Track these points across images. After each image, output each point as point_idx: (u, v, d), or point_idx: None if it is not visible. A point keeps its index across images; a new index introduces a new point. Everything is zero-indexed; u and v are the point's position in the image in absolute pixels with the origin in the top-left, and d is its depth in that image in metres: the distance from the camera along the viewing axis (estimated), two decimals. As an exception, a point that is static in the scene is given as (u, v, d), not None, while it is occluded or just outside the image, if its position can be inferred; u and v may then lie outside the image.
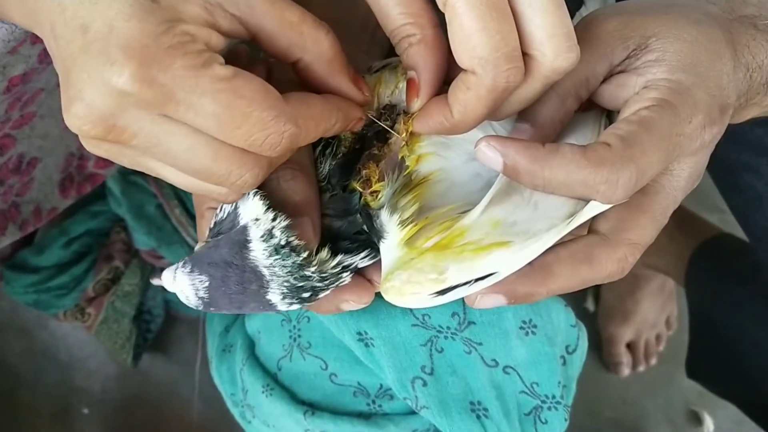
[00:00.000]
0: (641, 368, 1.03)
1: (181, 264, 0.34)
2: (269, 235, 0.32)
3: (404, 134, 0.35)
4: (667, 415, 1.05)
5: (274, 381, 0.46)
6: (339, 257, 0.33)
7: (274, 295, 0.32)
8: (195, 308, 0.35)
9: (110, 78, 0.26)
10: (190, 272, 0.33)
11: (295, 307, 0.33)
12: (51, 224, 0.93)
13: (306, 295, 0.33)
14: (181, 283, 0.33)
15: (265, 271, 0.32)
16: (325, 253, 0.33)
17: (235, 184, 0.30)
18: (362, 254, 0.35)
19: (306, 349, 0.45)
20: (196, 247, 0.34)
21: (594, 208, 0.32)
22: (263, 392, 0.46)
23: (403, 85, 0.36)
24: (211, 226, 0.34)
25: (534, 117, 0.34)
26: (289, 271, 0.32)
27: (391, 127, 0.35)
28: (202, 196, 0.36)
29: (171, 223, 0.88)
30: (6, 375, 1.01)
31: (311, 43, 0.32)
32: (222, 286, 0.32)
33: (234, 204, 0.33)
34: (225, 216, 0.34)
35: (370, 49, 0.46)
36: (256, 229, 0.32)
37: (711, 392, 0.88)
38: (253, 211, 0.32)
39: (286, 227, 0.32)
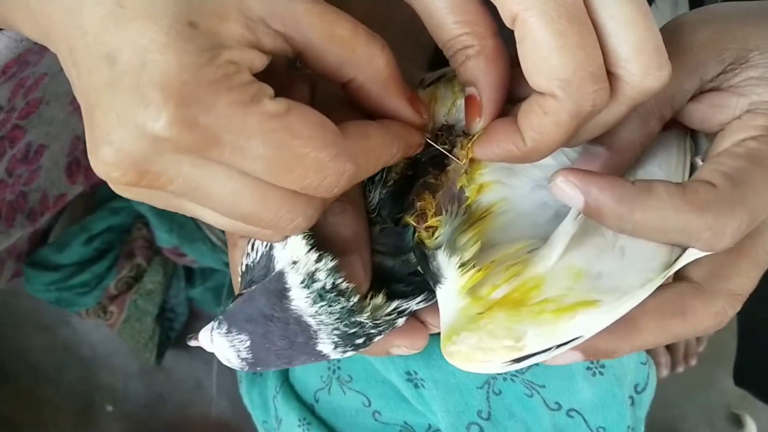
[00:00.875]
0: (680, 369, 0.99)
1: (215, 324, 0.30)
2: (311, 279, 0.28)
3: (465, 161, 0.30)
4: (707, 417, 1.02)
5: (311, 414, 0.43)
6: (395, 303, 0.30)
7: (325, 345, 0.29)
8: (240, 370, 0.31)
9: (145, 122, 0.23)
10: (227, 333, 0.29)
11: (350, 354, 0.30)
12: (71, 221, 0.91)
13: (360, 341, 0.29)
14: (220, 346, 0.30)
15: (311, 321, 0.28)
16: (380, 299, 0.29)
17: (284, 228, 0.27)
18: (418, 298, 0.31)
19: (347, 383, 0.41)
20: (229, 305, 0.31)
21: (691, 256, 0.28)
22: (300, 425, 0.42)
23: (461, 101, 0.32)
24: (243, 269, 0.31)
25: (611, 139, 0.30)
26: (338, 318, 0.28)
27: (450, 152, 0.31)
28: None
29: (194, 220, 0.85)
30: (28, 371, 0.99)
31: (365, 61, 0.27)
32: (266, 343, 0.29)
33: (267, 243, 0.30)
34: (258, 258, 0.30)
35: (414, 55, 0.42)
36: (295, 274, 0.28)
37: (761, 401, 0.84)
38: (291, 253, 0.28)
39: (333, 268, 0.28)
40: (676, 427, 1.01)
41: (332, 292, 0.28)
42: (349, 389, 0.41)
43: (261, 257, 0.30)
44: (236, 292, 0.34)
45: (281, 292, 0.28)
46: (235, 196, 0.25)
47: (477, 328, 0.27)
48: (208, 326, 0.30)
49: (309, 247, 0.28)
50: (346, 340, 0.29)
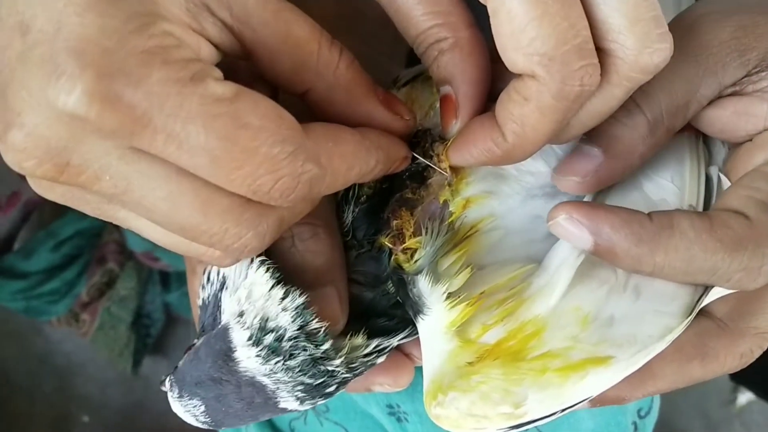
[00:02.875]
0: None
1: (168, 386, 0.26)
2: (261, 332, 0.24)
3: (447, 171, 0.26)
4: (701, 410, 0.99)
5: (288, 443, 0.39)
6: (375, 341, 0.26)
7: (289, 402, 0.25)
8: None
9: (57, 96, 0.19)
10: (180, 398, 0.25)
11: (321, 402, 0.26)
12: (38, 226, 0.87)
13: (331, 389, 0.26)
14: (177, 410, 0.26)
15: (266, 381, 0.24)
16: (359, 339, 0.25)
17: (231, 247, 0.22)
18: (402, 334, 0.27)
19: (323, 413, 0.38)
20: (180, 362, 0.27)
21: (716, 294, 0.24)
22: (274, 456, 0.39)
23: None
24: (200, 304, 0.27)
25: (609, 141, 0.26)
26: (300, 371, 0.24)
27: (430, 160, 0.27)
28: None
29: (167, 224, 0.81)
30: (0, 382, 0.95)
31: (325, 67, 0.23)
32: (221, 407, 0.25)
33: (218, 279, 0.26)
34: (209, 297, 0.26)
35: (393, 50, 0.38)
36: (241, 330, 0.24)
37: (759, 397, 0.82)
38: (239, 297, 0.24)
39: (301, 306, 0.24)
40: (671, 419, 0.99)
41: (295, 339, 0.24)
42: (326, 419, 0.38)
43: (210, 298, 0.26)
44: (196, 326, 0.30)
45: (225, 353, 0.24)
46: (173, 201, 0.21)
47: (468, 388, 0.23)
48: (167, 382, 0.26)
49: (273, 281, 0.24)
50: (313, 393, 0.25)
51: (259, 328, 0.24)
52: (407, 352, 0.29)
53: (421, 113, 0.28)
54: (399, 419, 0.34)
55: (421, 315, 0.25)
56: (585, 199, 0.27)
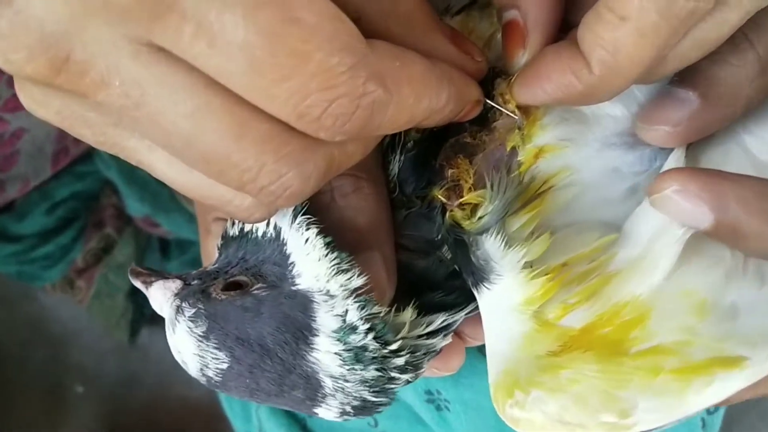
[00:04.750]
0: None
1: (191, 314, 0.21)
2: (351, 328, 0.20)
3: (517, 112, 0.22)
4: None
5: (303, 430, 0.35)
6: (440, 317, 0.22)
7: (329, 411, 0.21)
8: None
9: None
10: (202, 338, 0.21)
11: (352, 418, 0.22)
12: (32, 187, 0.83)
13: (382, 400, 0.22)
14: (182, 343, 0.22)
15: (328, 382, 0.20)
16: (411, 314, 0.21)
17: (267, 190, 0.18)
18: (468, 308, 0.23)
19: (346, 397, 0.34)
20: (221, 295, 0.22)
21: None
22: (289, 443, 0.35)
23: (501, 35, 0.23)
24: (234, 248, 0.23)
25: (708, 83, 0.22)
26: (371, 386, 0.20)
27: (492, 100, 0.22)
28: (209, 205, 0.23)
29: (167, 188, 0.77)
30: (-9, 349, 0.92)
31: None
32: (247, 378, 0.21)
33: (273, 222, 0.22)
34: (261, 236, 0.22)
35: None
36: (329, 314, 0.20)
37: None
38: (313, 259, 0.20)
39: (367, 307, 0.20)
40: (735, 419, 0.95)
41: (370, 350, 0.20)
42: (349, 405, 0.34)
43: (269, 239, 0.22)
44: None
45: (303, 331, 0.20)
46: (198, 121, 0.17)
47: (557, 387, 0.18)
48: (174, 299, 0.22)
49: (326, 248, 0.20)
50: (364, 411, 0.21)
51: (350, 324, 0.20)
52: (459, 330, 0.25)
53: (480, 45, 0.24)
54: (438, 407, 0.30)
55: (486, 284, 0.21)
56: (674, 154, 0.23)
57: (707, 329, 0.19)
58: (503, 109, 0.22)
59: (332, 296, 0.20)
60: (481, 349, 0.23)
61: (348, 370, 0.20)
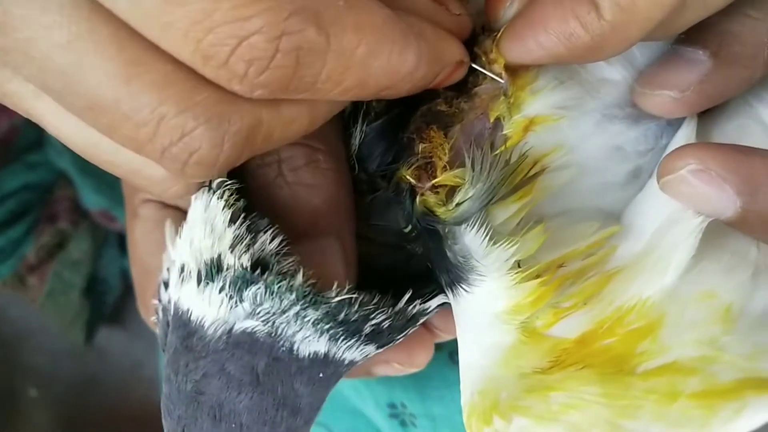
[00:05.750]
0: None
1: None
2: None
3: (503, 74, 0.19)
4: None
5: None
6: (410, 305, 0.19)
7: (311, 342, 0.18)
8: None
9: None
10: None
11: (367, 352, 0.19)
12: (-21, 177, 0.78)
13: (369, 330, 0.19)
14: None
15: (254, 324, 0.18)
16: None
17: (169, 153, 0.15)
18: (440, 298, 0.20)
19: (304, 409, 0.30)
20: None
21: None
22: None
23: None
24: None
25: (721, 40, 0.18)
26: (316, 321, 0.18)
27: (475, 61, 0.19)
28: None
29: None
30: (-65, 351, 0.87)
31: None
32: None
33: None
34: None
35: None
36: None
37: None
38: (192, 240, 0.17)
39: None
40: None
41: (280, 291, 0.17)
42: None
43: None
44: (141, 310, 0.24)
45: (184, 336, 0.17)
46: (77, 53, 0.13)
47: (547, 414, 0.15)
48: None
49: (229, 210, 0.18)
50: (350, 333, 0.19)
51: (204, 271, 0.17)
52: (427, 322, 0.22)
53: None
54: (403, 423, 0.27)
55: (464, 285, 0.17)
56: (683, 129, 0.20)
57: (734, 342, 0.15)
58: (486, 72, 0.18)
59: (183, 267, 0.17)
60: (454, 356, 0.20)
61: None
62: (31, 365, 0.88)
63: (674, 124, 0.20)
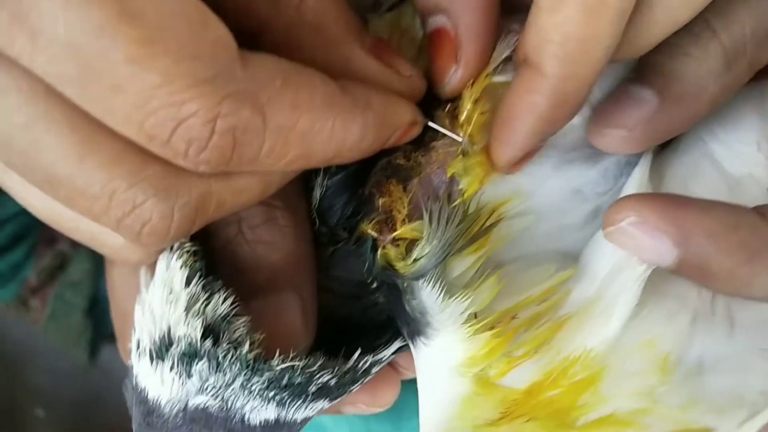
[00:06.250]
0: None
1: None
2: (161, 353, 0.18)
3: (462, 134, 0.19)
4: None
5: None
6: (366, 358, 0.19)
7: (262, 410, 0.18)
8: None
9: None
10: None
11: (319, 407, 0.19)
12: (-22, 203, 0.79)
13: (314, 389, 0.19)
14: None
15: (204, 399, 0.18)
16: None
17: (123, 224, 0.16)
18: (394, 346, 0.20)
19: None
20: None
21: None
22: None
23: None
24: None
25: (666, 80, 0.19)
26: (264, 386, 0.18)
27: (432, 119, 0.19)
28: None
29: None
30: (-59, 373, 0.88)
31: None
32: None
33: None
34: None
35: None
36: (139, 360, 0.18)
37: None
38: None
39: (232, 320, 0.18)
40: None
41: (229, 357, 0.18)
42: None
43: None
44: (119, 336, 0.24)
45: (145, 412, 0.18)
46: (34, 133, 0.14)
47: None
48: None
49: (188, 267, 0.18)
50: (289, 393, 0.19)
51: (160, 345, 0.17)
52: (393, 362, 0.22)
53: (413, 50, 0.21)
54: (381, 455, 0.27)
55: (422, 338, 0.18)
56: (638, 169, 0.20)
57: (670, 393, 0.16)
58: (443, 130, 0.19)
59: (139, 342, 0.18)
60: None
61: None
62: (37, 385, 0.89)
63: (633, 162, 0.21)
